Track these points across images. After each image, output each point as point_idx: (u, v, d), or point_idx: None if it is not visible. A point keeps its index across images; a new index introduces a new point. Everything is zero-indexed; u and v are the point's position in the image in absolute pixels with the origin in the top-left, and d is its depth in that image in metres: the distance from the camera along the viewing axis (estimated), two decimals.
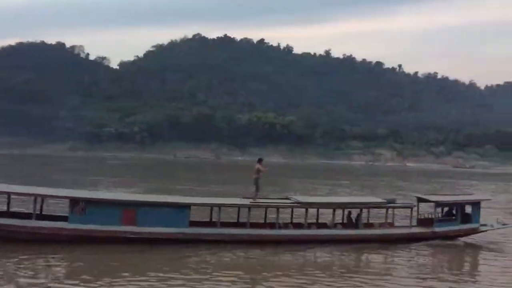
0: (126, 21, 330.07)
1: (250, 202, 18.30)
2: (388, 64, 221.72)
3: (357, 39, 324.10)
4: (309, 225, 18.70)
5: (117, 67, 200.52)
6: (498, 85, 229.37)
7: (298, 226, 18.91)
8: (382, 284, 14.03)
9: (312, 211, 19.42)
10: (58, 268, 14.35)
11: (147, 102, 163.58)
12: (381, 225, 19.57)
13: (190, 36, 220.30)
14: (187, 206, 17.36)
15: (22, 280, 12.78)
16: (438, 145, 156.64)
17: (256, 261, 15.99)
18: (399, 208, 20.11)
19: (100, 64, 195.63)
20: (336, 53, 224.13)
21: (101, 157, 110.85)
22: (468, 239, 20.29)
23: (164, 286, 12.94)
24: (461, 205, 20.24)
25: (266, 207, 18.93)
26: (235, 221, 18.57)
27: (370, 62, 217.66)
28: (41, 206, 17.22)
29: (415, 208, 20.03)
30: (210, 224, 18.05)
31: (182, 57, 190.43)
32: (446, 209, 20.51)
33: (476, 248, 19.64)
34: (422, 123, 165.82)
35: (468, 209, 20.29)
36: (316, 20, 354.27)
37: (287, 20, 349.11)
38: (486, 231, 20.35)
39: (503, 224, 21.05)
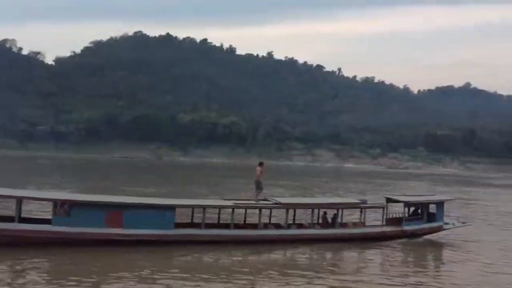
0: (62, 15, 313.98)
1: (234, 203, 18.57)
2: (328, 67, 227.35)
3: (300, 41, 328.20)
4: (289, 225, 19.21)
5: (53, 63, 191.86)
6: (429, 90, 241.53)
7: (278, 226, 19.38)
8: (361, 279, 14.79)
9: (290, 211, 19.94)
10: (41, 271, 13.98)
11: (84, 100, 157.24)
12: (355, 225, 20.41)
13: (130, 33, 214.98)
14: (172, 208, 17.36)
15: (3, 285, 12.39)
16: (374, 146, 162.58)
17: (239, 261, 16.32)
18: (372, 208, 21.08)
19: (34, 59, 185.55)
20: (279, 55, 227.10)
21: (34, 156, 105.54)
22: (433, 236, 21.62)
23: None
24: (426, 205, 21.50)
25: (248, 208, 19.21)
26: (219, 222, 18.78)
27: (311, 65, 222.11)
28: (20, 209, 16.58)
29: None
30: (195, 225, 18.12)
31: (122, 54, 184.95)
32: (412, 208, 21.71)
33: (440, 245, 20.96)
34: (360, 125, 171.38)
35: (432, 208, 21.60)
36: (260, 21, 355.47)
37: (231, 21, 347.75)
38: (449, 229, 21.75)
39: (463, 223, 22.71)
